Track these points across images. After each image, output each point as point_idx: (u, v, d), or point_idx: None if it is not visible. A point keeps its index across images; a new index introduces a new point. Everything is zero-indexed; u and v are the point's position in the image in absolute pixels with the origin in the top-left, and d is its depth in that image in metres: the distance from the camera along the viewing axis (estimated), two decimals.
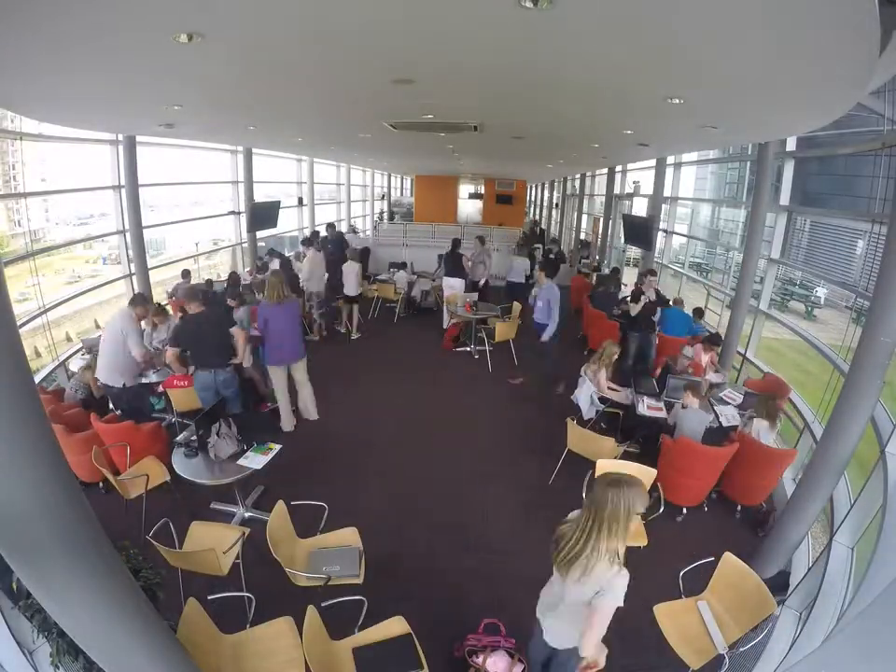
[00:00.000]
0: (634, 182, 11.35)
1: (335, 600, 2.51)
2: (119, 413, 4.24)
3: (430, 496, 3.94)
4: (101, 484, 3.73)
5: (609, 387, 4.69)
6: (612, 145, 6.31)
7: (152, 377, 4.58)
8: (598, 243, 12.36)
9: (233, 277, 7.22)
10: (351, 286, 7.23)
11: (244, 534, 2.80)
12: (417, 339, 7.25)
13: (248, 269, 9.19)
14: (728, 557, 2.57)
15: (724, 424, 4.15)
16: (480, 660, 2.45)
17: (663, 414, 4.25)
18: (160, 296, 6.82)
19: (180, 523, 2.90)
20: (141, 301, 4.31)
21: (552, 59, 2.43)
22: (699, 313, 6.57)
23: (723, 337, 5.77)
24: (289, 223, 12.13)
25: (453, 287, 7.65)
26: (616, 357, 4.74)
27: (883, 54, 1.97)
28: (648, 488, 3.22)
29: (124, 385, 4.11)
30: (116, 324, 4.08)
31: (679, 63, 2.38)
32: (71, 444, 3.56)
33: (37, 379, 5.01)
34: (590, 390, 4.51)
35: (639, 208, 11.04)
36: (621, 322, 6.50)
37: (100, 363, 4.13)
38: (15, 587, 2.08)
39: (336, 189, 15.57)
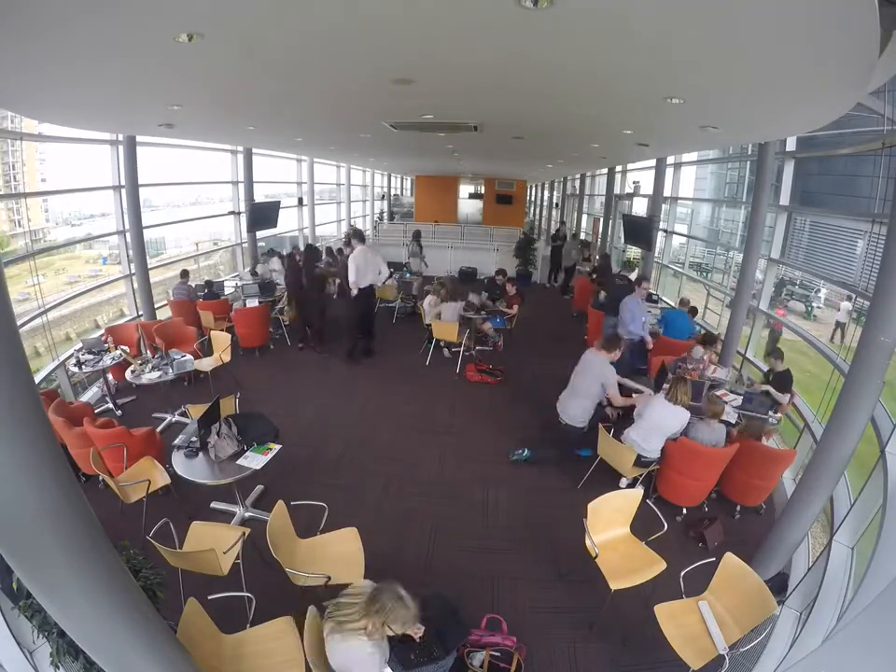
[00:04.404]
0: (634, 182, 11.35)
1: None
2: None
3: (430, 495, 3.94)
4: (100, 478, 3.67)
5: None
6: (612, 145, 6.31)
7: None
8: (598, 243, 12.36)
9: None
10: None
11: (244, 534, 2.80)
12: (417, 339, 7.24)
13: (248, 269, 9.20)
14: (729, 557, 2.57)
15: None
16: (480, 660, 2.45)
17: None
18: (159, 296, 6.80)
19: (180, 522, 2.90)
20: None
21: (552, 59, 2.43)
22: (693, 311, 6.65)
23: (723, 337, 5.78)
24: (289, 223, 12.13)
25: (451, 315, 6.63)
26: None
27: (883, 54, 1.97)
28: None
29: None
30: None
31: (679, 63, 2.38)
32: (72, 438, 3.57)
33: (37, 379, 5.01)
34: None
35: (639, 208, 11.04)
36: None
37: None
38: (15, 587, 2.07)
39: (336, 188, 15.58)
